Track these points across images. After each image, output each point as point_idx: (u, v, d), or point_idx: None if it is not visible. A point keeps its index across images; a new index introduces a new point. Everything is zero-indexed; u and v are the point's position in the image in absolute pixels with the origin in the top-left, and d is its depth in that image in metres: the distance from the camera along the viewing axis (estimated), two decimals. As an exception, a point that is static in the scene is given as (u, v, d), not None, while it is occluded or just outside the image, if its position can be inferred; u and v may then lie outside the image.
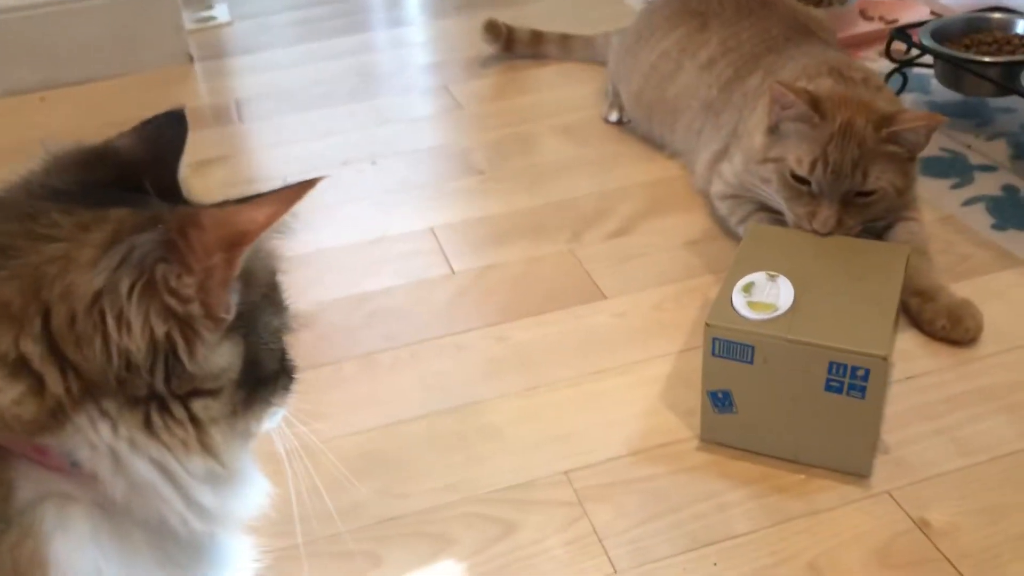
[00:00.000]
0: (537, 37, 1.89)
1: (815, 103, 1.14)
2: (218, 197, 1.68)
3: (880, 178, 1.13)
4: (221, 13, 2.33)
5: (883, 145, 1.13)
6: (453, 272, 1.32)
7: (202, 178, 1.61)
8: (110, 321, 0.46)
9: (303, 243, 1.41)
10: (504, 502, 0.97)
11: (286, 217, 0.51)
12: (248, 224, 0.49)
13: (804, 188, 1.15)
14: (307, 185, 0.51)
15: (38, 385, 0.46)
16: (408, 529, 0.95)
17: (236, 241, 0.48)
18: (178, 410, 0.50)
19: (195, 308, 0.48)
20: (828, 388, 0.92)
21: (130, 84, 1.99)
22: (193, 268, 0.48)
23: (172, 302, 0.47)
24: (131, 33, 2.02)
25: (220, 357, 0.50)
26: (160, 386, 0.48)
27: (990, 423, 1.02)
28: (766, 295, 0.97)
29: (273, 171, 1.63)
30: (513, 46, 1.89)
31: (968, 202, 1.37)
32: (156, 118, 0.60)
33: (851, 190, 1.13)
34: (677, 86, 1.48)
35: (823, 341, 0.91)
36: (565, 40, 1.88)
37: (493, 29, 1.87)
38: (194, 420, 0.50)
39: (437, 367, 1.16)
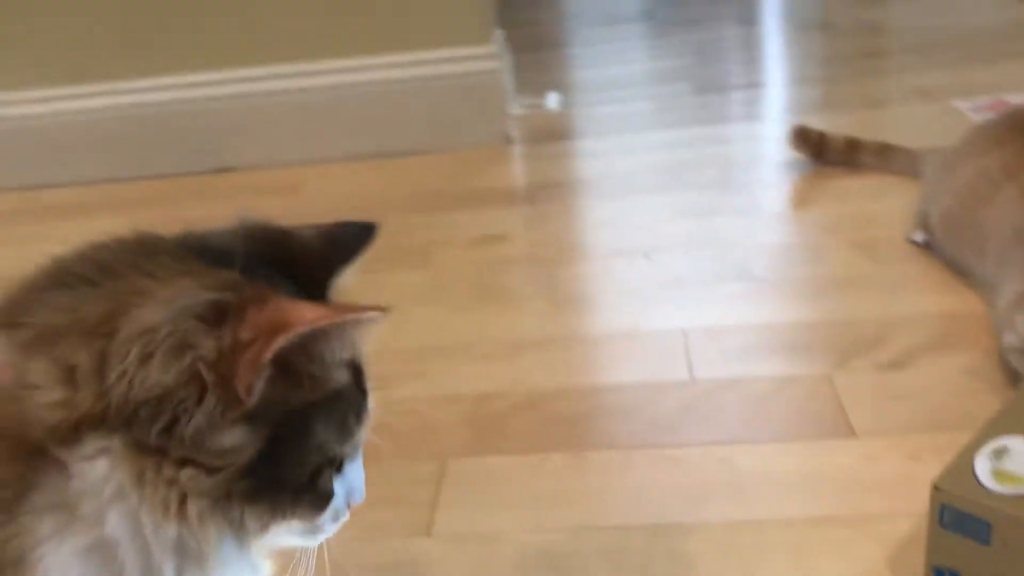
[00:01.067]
0: (852, 146, 1.75)
1: None
2: (487, 272, 1.70)
3: None
4: (552, 101, 2.43)
5: None
6: (692, 379, 1.24)
7: (482, 251, 1.66)
8: (135, 353, 0.47)
9: (547, 328, 1.41)
10: (672, 642, 0.87)
11: (336, 328, 0.50)
12: (294, 318, 0.48)
13: None
14: (365, 309, 0.51)
15: (74, 395, 0.48)
16: (561, 646, 0.88)
17: (276, 328, 0.48)
18: (168, 470, 0.49)
19: (208, 373, 0.48)
20: (1086, 596, 0.73)
21: (450, 160, 2.12)
22: (223, 335, 0.48)
23: (189, 357, 0.47)
24: (457, 113, 2.16)
25: (227, 437, 0.49)
26: (155, 438, 0.48)
27: None
28: (1019, 465, 0.79)
29: (544, 254, 1.64)
30: (825, 153, 1.77)
31: None
32: (351, 224, 0.62)
33: None
34: (991, 209, 1.29)
35: (1084, 536, 0.73)
36: (884, 151, 1.73)
37: (802, 136, 1.77)
38: (179, 484, 0.49)
39: (646, 477, 1.08)
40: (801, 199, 1.74)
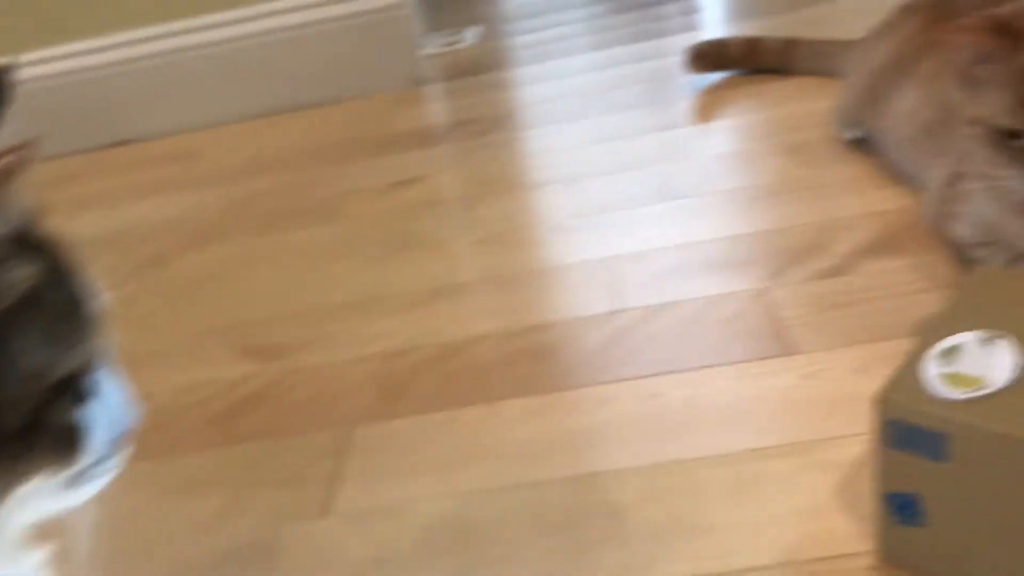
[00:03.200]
0: (752, 49, 1.65)
1: (999, 29, 0.86)
2: (400, 219, 1.53)
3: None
4: (469, 36, 2.29)
5: None
6: (617, 310, 1.12)
7: (395, 198, 1.53)
8: None
9: (464, 272, 1.28)
10: (599, 607, 0.76)
11: None
12: None
13: (1020, 143, 0.87)
14: None
15: None
16: (474, 626, 0.77)
17: None
18: None
19: None
20: (1058, 508, 0.63)
21: (357, 108, 1.98)
22: None
23: None
24: (362, 57, 2.01)
25: None
26: None
27: None
28: (974, 365, 0.68)
29: (460, 194, 1.52)
30: (725, 63, 1.67)
31: None
32: None
33: None
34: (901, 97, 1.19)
35: (1050, 439, 0.62)
36: (787, 48, 1.62)
37: (698, 57, 1.67)
38: None
39: (569, 423, 0.96)
40: (726, 109, 1.62)
